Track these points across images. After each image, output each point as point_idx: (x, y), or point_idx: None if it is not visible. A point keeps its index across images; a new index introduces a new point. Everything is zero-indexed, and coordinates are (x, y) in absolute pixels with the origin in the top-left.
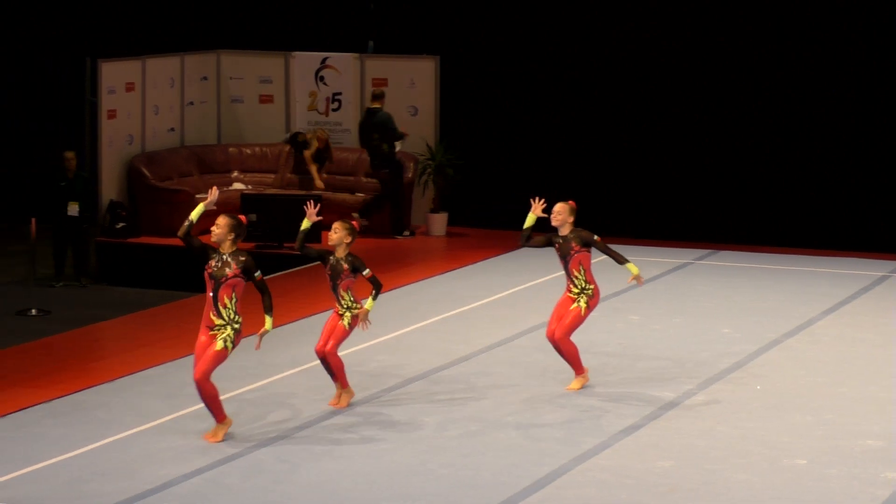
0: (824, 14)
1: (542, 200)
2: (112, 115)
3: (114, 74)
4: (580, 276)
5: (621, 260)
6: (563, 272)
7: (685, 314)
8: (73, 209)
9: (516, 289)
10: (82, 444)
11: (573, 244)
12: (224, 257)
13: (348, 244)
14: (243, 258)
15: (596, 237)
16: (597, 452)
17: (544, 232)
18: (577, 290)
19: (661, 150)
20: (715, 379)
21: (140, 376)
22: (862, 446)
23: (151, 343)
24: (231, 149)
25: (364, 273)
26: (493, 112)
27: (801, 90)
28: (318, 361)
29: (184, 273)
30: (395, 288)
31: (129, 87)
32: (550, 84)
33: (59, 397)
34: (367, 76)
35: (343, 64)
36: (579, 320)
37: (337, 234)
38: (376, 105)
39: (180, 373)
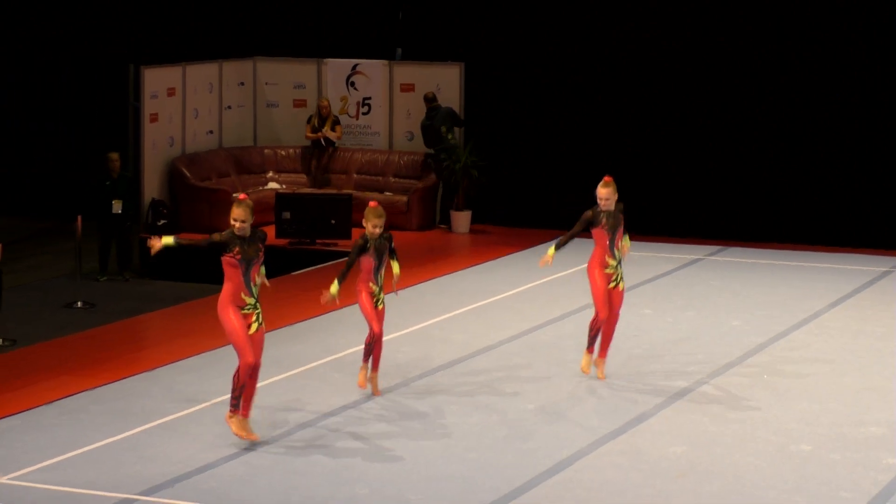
0: (828, 13)
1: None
2: (154, 118)
3: (156, 80)
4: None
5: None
6: (607, 246)
7: (696, 308)
8: (117, 207)
9: (537, 283)
10: (125, 429)
11: (621, 216)
12: (248, 240)
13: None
14: (261, 234)
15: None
16: (612, 438)
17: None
18: (615, 263)
19: (676, 151)
20: (725, 369)
21: (180, 365)
22: (865, 433)
23: (191, 334)
24: (266, 150)
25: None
26: (515, 116)
27: (805, 91)
28: (363, 348)
29: (220, 268)
30: (420, 282)
31: (171, 92)
32: (569, 88)
33: (103, 385)
34: (395, 82)
35: (372, 70)
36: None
37: (375, 220)
38: (435, 104)
39: (218, 363)
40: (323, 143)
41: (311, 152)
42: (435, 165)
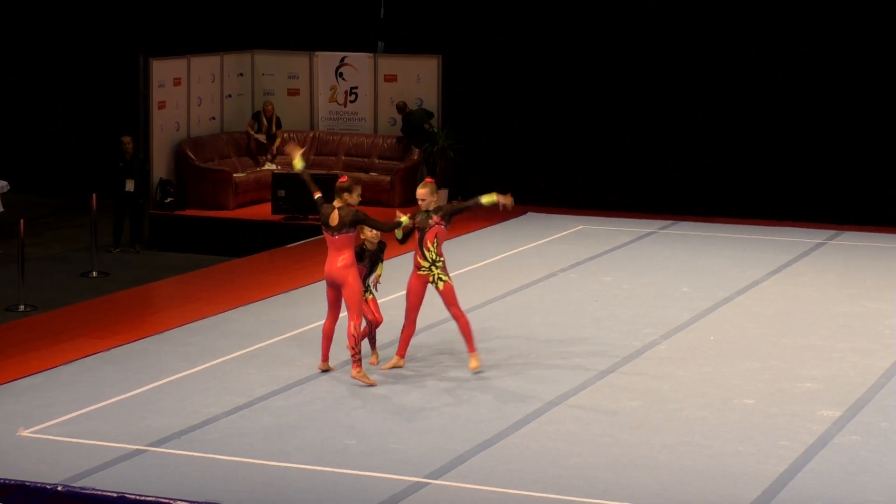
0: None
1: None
2: (162, 105)
3: (164, 71)
4: (432, 249)
5: (475, 201)
6: (417, 246)
7: (650, 276)
8: (130, 186)
9: (507, 254)
10: (137, 386)
11: (434, 220)
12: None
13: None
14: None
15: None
16: (575, 393)
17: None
18: (427, 264)
19: (632, 135)
20: (676, 331)
21: (187, 328)
22: (802, 388)
23: (197, 300)
24: (261, 141)
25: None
26: (489, 102)
27: (746, 75)
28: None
29: (222, 241)
30: (399, 255)
31: (177, 82)
32: (536, 77)
33: (116, 346)
34: (379, 72)
35: (359, 62)
36: (452, 291)
37: (420, 193)
38: (407, 110)
39: (223, 324)
40: (265, 141)
41: (257, 146)
42: (424, 157)
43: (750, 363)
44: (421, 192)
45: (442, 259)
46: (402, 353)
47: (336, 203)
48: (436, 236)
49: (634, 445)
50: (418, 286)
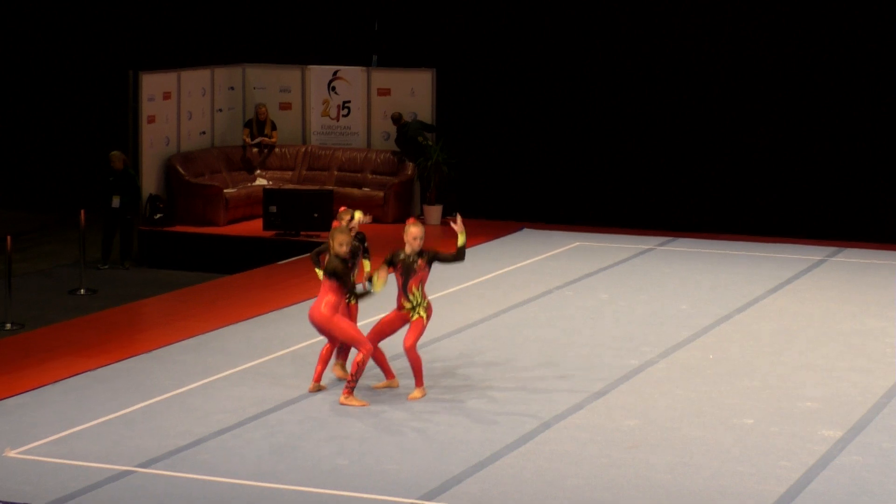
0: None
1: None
2: (152, 119)
3: (153, 84)
4: (416, 293)
5: (454, 255)
6: (401, 289)
7: (648, 292)
8: (116, 201)
9: (502, 271)
10: (126, 405)
11: (418, 264)
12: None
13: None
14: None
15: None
16: (571, 413)
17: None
18: (410, 306)
19: (631, 151)
20: (674, 349)
21: (177, 346)
22: (801, 408)
23: (187, 317)
24: (255, 149)
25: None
26: (483, 116)
27: (747, 91)
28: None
29: (213, 257)
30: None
31: (167, 96)
32: (531, 90)
33: (105, 365)
34: (372, 86)
35: (352, 76)
36: (422, 328)
37: (416, 232)
38: (403, 121)
39: (213, 342)
40: (261, 148)
41: (252, 153)
42: (418, 172)
43: (749, 382)
44: (415, 231)
45: (426, 301)
46: (391, 375)
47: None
48: (420, 281)
49: (631, 466)
50: (395, 320)
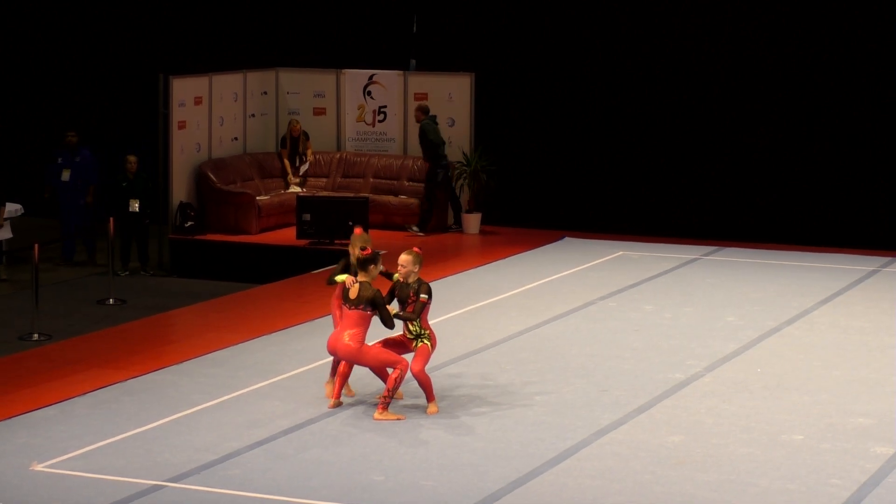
0: (824, 13)
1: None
2: (182, 125)
3: (184, 89)
4: (417, 324)
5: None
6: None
7: (694, 304)
8: (134, 206)
9: (543, 281)
10: (155, 419)
11: (411, 292)
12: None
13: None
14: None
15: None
16: (614, 428)
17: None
18: (412, 336)
19: (676, 158)
20: (721, 362)
21: (207, 358)
22: (853, 424)
23: (218, 329)
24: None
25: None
26: (522, 122)
27: (795, 98)
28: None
29: (245, 267)
30: (433, 280)
31: (198, 101)
32: (572, 95)
33: (134, 377)
34: (409, 91)
35: (388, 80)
36: (428, 354)
37: (402, 260)
38: (425, 118)
39: (244, 355)
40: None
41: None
42: (442, 175)
43: (798, 397)
44: (404, 258)
45: (427, 331)
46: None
47: (360, 277)
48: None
49: (676, 483)
50: (402, 344)
